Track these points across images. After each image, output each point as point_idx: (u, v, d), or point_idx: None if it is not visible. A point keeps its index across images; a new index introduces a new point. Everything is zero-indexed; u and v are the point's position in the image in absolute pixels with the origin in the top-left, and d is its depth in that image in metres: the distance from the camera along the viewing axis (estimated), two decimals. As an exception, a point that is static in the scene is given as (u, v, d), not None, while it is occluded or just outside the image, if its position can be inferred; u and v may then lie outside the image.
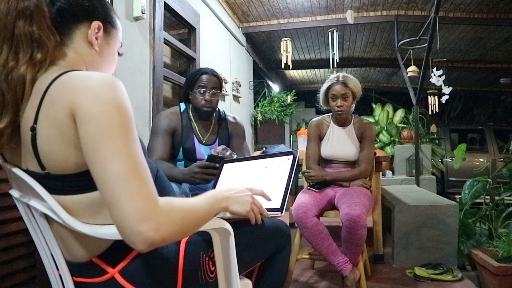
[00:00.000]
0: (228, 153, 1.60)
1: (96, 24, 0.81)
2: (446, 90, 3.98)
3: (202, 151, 1.87)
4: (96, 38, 0.82)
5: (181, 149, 1.85)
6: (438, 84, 3.81)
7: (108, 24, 0.85)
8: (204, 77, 1.85)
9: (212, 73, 1.89)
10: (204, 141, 1.89)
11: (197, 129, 1.90)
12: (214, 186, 1.33)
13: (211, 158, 1.53)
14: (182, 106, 1.95)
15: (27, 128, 0.70)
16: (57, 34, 0.76)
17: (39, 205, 0.75)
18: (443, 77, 3.83)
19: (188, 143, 1.85)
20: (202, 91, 1.84)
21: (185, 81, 1.95)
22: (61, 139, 0.68)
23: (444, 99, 4.25)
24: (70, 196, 0.73)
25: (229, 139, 1.97)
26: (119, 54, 0.92)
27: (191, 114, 1.91)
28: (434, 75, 3.82)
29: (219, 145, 1.91)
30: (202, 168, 1.56)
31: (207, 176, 1.55)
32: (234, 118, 2.04)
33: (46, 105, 0.69)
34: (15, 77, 0.70)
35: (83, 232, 0.71)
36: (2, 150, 0.79)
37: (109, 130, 0.64)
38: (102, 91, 0.66)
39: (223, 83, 3.78)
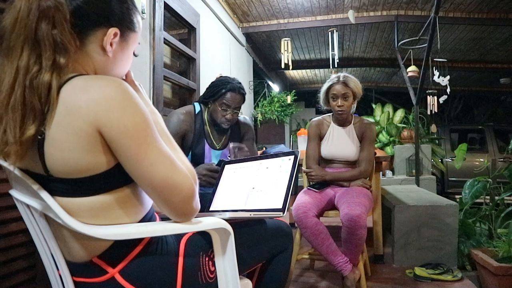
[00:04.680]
0: (244, 151, 1.60)
1: (113, 31, 0.77)
2: (447, 90, 4.00)
3: (212, 156, 1.82)
4: (111, 44, 0.78)
5: (190, 154, 1.79)
6: (443, 84, 3.81)
7: (126, 29, 0.81)
8: (229, 95, 1.73)
9: (239, 91, 1.77)
10: (218, 146, 1.84)
11: (210, 134, 1.83)
12: (215, 188, 1.33)
13: (222, 163, 1.52)
14: (197, 107, 1.85)
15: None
16: (76, 39, 0.73)
17: (39, 205, 0.75)
18: (448, 77, 3.84)
19: (199, 149, 1.79)
20: (224, 108, 1.74)
21: (208, 87, 1.82)
22: (78, 147, 0.68)
23: (442, 99, 4.26)
24: (71, 199, 0.73)
25: (241, 141, 1.91)
26: (134, 55, 0.89)
27: (206, 118, 1.83)
28: (439, 75, 3.82)
29: None
30: (211, 172, 1.55)
31: (213, 180, 1.53)
32: (245, 118, 1.98)
33: (60, 111, 0.68)
34: (40, 83, 0.67)
35: (82, 233, 0.71)
36: (20, 161, 0.71)
37: (145, 140, 0.71)
38: (124, 103, 0.69)
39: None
